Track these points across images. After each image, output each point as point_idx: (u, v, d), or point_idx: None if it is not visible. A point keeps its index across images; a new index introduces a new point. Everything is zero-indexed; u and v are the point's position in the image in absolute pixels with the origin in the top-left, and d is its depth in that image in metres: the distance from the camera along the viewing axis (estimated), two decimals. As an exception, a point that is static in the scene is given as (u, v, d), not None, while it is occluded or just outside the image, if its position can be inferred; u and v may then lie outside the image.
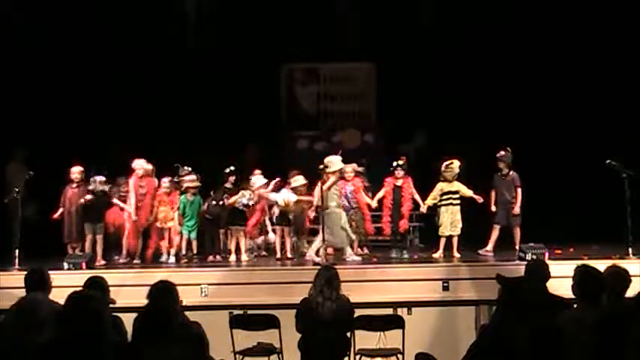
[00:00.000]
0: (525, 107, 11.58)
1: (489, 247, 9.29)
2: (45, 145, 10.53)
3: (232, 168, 9.74)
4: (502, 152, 9.37)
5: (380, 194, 9.50)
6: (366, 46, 12.69)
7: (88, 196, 9.09)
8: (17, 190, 8.64)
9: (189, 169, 9.79)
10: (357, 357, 6.70)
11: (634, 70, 11.00)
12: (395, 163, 9.43)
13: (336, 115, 13.72)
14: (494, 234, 9.33)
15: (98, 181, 9.16)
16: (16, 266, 8.22)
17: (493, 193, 9.36)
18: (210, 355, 3.96)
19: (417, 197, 9.42)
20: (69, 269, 8.23)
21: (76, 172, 9.24)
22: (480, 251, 9.29)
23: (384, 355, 6.87)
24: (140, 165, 9.24)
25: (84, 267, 8.28)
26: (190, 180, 9.38)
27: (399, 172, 9.35)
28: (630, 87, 11.14)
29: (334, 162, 9.04)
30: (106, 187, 9.26)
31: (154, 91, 11.68)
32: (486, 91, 11.81)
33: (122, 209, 9.37)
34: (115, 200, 9.37)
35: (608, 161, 8.79)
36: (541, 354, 3.33)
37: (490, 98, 11.76)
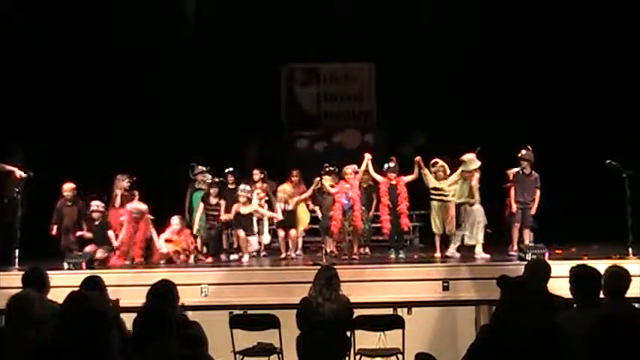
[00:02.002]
0: (525, 107, 11.58)
1: (514, 247, 9.24)
2: (43, 144, 10.52)
3: (231, 169, 9.80)
4: (524, 151, 9.29)
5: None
6: (366, 46, 12.70)
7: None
8: (17, 190, 8.64)
9: (203, 168, 10.00)
10: (357, 357, 6.70)
11: (634, 70, 10.99)
12: (386, 166, 9.42)
13: (336, 115, 13.72)
14: (516, 234, 9.32)
15: (100, 208, 9.22)
16: (16, 266, 8.22)
17: (512, 192, 9.31)
18: (210, 355, 3.97)
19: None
20: (69, 269, 8.24)
21: (68, 189, 9.29)
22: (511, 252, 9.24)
23: (384, 355, 6.87)
24: (136, 208, 9.19)
25: (84, 267, 8.28)
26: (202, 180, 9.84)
27: (391, 175, 9.33)
28: (630, 87, 11.14)
29: (473, 159, 9.01)
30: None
31: (153, 91, 11.67)
32: (486, 91, 11.81)
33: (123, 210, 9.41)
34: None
35: (608, 161, 8.80)
36: (541, 354, 3.33)
37: (490, 98, 11.76)
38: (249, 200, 9.45)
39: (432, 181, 9.22)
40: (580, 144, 11.13)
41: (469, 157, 9.06)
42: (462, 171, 9.03)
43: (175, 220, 9.43)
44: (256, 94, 12.40)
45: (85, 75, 11.43)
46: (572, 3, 11.39)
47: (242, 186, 9.56)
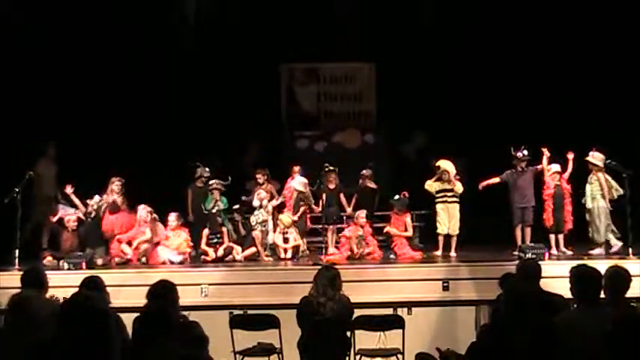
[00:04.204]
0: (525, 106, 11.58)
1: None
2: (43, 144, 10.52)
3: (237, 206, 10.01)
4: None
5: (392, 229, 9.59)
6: (366, 46, 12.69)
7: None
8: (17, 190, 8.63)
9: (208, 169, 10.10)
10: (357, 357, 6.70)
11: (634, 69, 10.99)
12: (396, 197, 9.57)
13: (336, 115, 13.71)
14: (519, 234, 9.35)
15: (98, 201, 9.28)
16: (16, 266, 8.22)
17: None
18: (210, 355, 3.97)
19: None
20: (69, 269, 8.25)
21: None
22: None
23: (384, 355, 6.87)
24: (140, 215, 9.30)
25: (84, 267, 8.29)
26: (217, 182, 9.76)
27: (397, 210, 9.53)
28: (630, 87, 11.13)
29: (595, 156, 9.02)
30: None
31: (153, 91, 11.67)
32: (486, 90, 11.81)
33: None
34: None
35: (608, 161, 8.81)
36: (540, 354, 3.34)
37: (490, 98, 11.76)
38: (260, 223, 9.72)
39: (434, 187, 9.36)
40: (580, 144, 11.11)
41: (596, 154, 9.07)
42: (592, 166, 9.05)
43: (172, 217, 9.43)
44: (256, 94, 12.39)
45: (85, 75, 11.42)
46: (573, 3, 11.38)
47: (253, 218, 9.74)
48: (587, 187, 9.04)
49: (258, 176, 10.29)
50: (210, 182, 9.83)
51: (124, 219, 9.45)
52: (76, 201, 9.31)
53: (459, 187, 9.37)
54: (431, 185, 9.44)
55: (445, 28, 12.07)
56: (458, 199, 9.40)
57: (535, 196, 9.36)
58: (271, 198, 10.09)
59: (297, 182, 10.02)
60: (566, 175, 9.33)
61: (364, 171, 10.27)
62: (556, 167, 9.29)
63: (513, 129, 10.74)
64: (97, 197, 9.31)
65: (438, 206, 9.39)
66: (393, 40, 12.24)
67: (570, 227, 9.24)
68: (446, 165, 9.40)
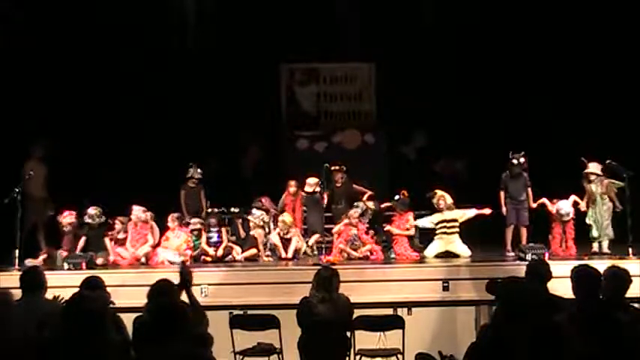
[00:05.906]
0: (525, 107, 11.58)
1: (508, 247, 9.23)
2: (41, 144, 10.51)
3: (237, 209, 9.98)
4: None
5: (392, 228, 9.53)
6: (366, 46, 12.69)
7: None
8: (17, 190, 8.64)
9: (200, 170, 10.03)
10: (357, 357, 6.70)
11: (634, 69, 10.99)
12: (397, 197, 9.52)
13: (336, 115, 13.71)
14: (509, 234, 9.29)
15: (94, 214, 9.14)
16: (16, 266, 8.22)
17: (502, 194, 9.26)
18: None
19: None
20: (69, 269, 8.25)
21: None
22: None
23: (384, 355, 6.87)
24: (136, 214, 9.26)
25: (84, 267, 8.29)
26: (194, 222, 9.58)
27: (399, 210, 9.48)
28: (631, 87, 11.14)
29: (598, 167, 9.02)
30: (103, 219, 9.25)
31: (153, 91, 11.66)
32: (486, 91, 11.81)
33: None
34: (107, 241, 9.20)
35: (608, 161, 8.81)
36: (540, 354, 3.33)
37: (490, 98, 11.76)
38: (261, 226, 9.66)
39: (434, 219, 9.32)
40: (580, 144, 11.12)
41: (593, 164, 9.04)
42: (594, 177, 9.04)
43: (171, 218, 9.40)
44: (256, 94, 12.39)
45: (83, 75, 11.42)
46: (574, 3, 11.38)
47: (255, 211, 9.71)
48: (594, 188, 8.99)
49: (263, 200, 10.21)
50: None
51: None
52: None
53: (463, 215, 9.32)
54: (432, 223, 9.38)
55: (445, 28, 12.07)
56: (458, 229, 9.32)
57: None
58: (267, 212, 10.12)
59: (308, 185, 10.04)
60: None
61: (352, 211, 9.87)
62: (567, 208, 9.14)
63: (513, 129, 10.75)
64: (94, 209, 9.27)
65: (436, 237, 9.31)
66: (393, 40, 12.24)
67: (574, 254, 9.16)
68: (442, 193, 9.39)
